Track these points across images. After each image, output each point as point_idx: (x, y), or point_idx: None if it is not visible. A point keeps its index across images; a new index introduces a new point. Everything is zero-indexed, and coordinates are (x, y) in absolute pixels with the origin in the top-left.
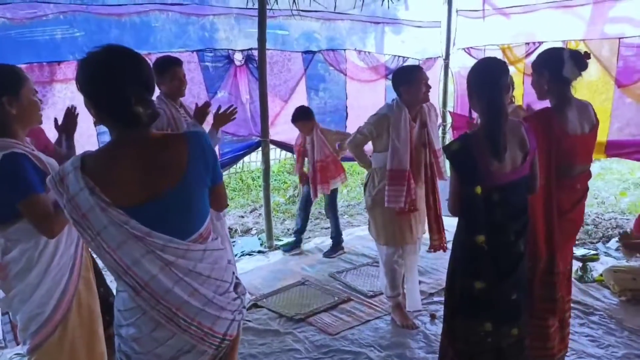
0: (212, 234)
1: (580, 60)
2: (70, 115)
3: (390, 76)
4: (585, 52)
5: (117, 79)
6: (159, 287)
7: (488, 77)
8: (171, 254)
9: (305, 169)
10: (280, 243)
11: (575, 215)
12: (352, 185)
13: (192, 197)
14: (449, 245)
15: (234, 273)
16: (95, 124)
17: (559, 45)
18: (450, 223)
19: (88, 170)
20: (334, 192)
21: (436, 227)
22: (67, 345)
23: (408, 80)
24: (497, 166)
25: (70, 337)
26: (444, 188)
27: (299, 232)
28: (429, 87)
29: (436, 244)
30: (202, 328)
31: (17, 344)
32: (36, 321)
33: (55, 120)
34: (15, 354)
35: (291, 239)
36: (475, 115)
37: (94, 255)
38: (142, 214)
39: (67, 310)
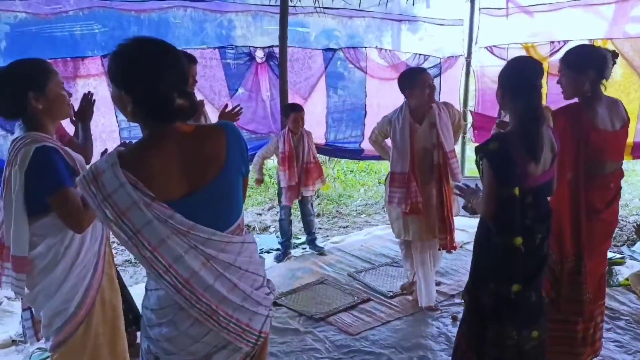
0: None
1: (615, 60)
2: (87, 101)
3: None
4: (614, 51)
5: (158, 71)
6: (200, 283)
7: (525, 78)
8: (213, 247)
9: None
10: (299, 241)
11: (609, 215)
12: (369, 184)
13: (232, 186)
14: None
15: None
16: (128, 120)
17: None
18: (465, 223)
19: (127, 166)
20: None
21: (443, 227)
22: (91, 341)
23: (410, 84)
24: (533, 168)
25: (93, 333)
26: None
27: (289, 244)
28: (432, 88)
29: (444, 244)
30: (240, 324)
31: (38, 340)
32: (61, 317)
33: (72, 108)
34: (36, 349)
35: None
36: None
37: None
38: (185, 207)
39: (91, 307)
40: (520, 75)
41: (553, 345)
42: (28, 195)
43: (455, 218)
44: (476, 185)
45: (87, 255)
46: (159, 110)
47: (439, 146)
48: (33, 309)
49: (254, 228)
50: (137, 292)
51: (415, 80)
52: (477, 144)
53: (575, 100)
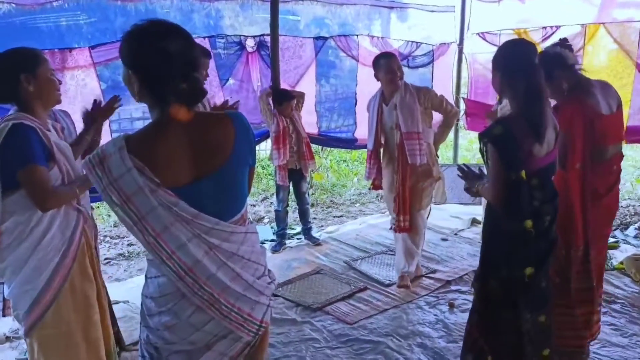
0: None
1: (565, 45)
2: (110, 103)
3: (404, 62)
4: (562, 38)
5: (165, 53)
6: (203, 272)
7: (522, 57)
8: (216, 237)
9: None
10: (294, 232)
11: (611, 200)
12: (363, 173)
13: (237, 176)
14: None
15: None
16: (136, 100)
17: (578, 29)
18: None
19: (134, 151)
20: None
21: (396, 207)
22: (63, 328)
23: (376, 68)
24: (538, 149)
25: (65, 320)
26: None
27: (284, 234)
28: (394, 74)
29: (400, 225)
30: (242, 314)
31: (4, 315)
32: (26, 298)
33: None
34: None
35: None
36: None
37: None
38: (190, 194)
39: (57, 292)
40: (517, 55)
41: (558, 330)
42: (1, 170)
43: (449, 205)
44: (479, 169)
45: (53, 240)
46: (162, 91)
47: (398, 126)
48: (5, 289)
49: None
50: (131, 286)
51: (380, 65)
52: (475, 132)
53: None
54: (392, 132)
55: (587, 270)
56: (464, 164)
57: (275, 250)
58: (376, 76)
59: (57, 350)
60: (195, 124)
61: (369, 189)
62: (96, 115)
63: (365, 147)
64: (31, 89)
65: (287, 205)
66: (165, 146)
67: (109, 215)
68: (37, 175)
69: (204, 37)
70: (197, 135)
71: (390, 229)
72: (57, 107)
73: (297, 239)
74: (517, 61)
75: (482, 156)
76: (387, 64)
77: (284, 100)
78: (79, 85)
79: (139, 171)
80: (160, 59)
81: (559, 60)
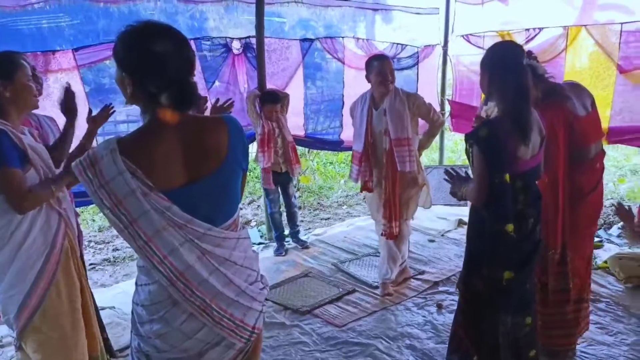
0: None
1: (532, 58)
2: (68, 96)
3: None
4: (527, 50)
5: (160, 56)
6: (195, 277)
7: (510, 58)
8: (209, 242)
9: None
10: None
11: (595, 197)
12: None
13: (231, 180)
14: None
15: None
16: (126, 104)
17: (560, 31)
18: (446, 212)
19: (126, 153)
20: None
21: (385, 213)
22: (56, 333)
23: (369, 70)
24: (523, 152)
25: (55, 324)
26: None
27: (283, 236)
28: (386, 78)
29: (385, 230)
30: (234, 320)
31: None
32: (13, 302)
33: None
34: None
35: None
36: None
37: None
38: (183, 197)
39: (43, 296)
40: (505, 56)
41: (547, 329)
42: None
43: (436, 207)
44: (465, 172)
45: (35, 243)
46: (155, 94)
47: (387, 132)
48: None
49: None
50: (117, 292)
51: (372, 67)
52: (460, 134)
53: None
54: (380, 137)
55: (564, 272)
56: (451, 168)
57: (279, 254)
58: (367, 78)
59: (51, 355)
60: (189, 127)
61: (360, 190)
62: (66, 112)
63: (351, 149)
64: (7, 95)
65: (280, 207)
66: (159, 149)
67: (94, 220)
68: (9, 178)
69: (189, 39)
70: (191, 138)
71: (382, 234)
72: (42, 112)
73: (286, 241)
74: (505, 60)
75: (468, 157)
76: (379, 67)
77: (267, 101)
78: (63, 88)
79: (131, 174)
80: (154, 62)
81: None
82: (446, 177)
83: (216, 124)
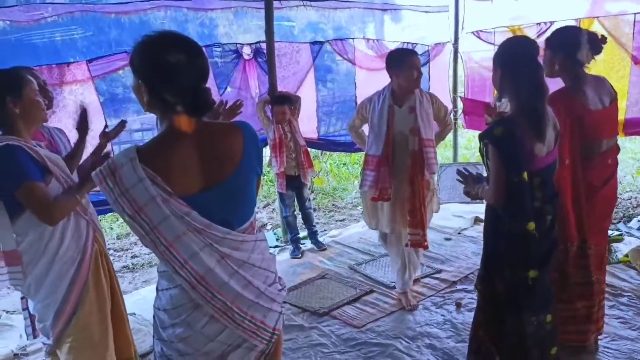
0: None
1: (596, 45)
2: (82, 116)
3: None
4: (602, 35)
5: (174, 64)
6: (215, 280)
7: (524, 54)
8: (227, 246)
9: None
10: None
11: (608, 191)
12: None
13: (247, 185)
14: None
15: None
16: (145, 111)
17: (572, 24)
18: (462, 209)
19: (146, 161)
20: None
21: (413, 221)
22: (90, 340)
23: (399, 64)
24: (539, 149)
25: (90, 331)
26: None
27: (298, 238)
28: (420, 73)
29: (414, 240)
30: (255, 322)
31: (35, 337)
32: (48, 312)
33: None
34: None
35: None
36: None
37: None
38: (200, 202)
39: (77, 303)
40: (519, 52)
41: (560, 325)
42: (1, 196)
43: (451, 204)
44: (477, 172)
45: (68, 250)
46: (171, 102)
47: (417, 132)
48: (29, 306)
49: None
50: (137, 299)
51: (404, 62)
52: (474, 131)
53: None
54: (404, 138)
55: (585, 265)
56: (464, 167)
57: (295, 256)
58: (394, 72)
59: None
60: (205, 133)
61: (376, 199)
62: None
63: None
64: (17, 111)
65: (294, 210)
66: (176, 155)
67: (112, 228)
68: (34, 192)
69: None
70: (206, 144)
71: (408, 245)
72: (57, 124)
73: (302, 243)
74: (519, 57)
75: (482, 156)
76: (414, 61)
77: (276, 103)
78: (78, 100)
79: (151, 181)
80: (169, 71)
81: (571, 47)
82: (459, 178)
83: (231, 130)
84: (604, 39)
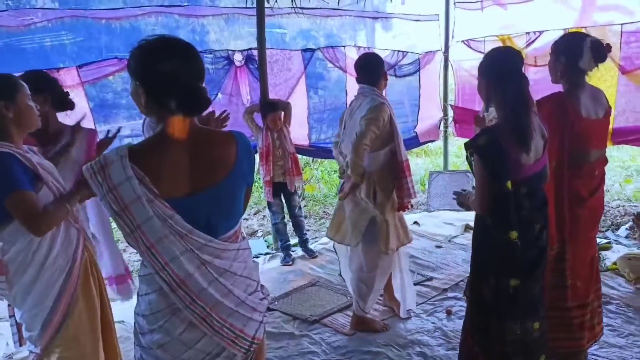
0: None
1: (599, 53)
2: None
3: (391, 71)
4: (608, 44)
5: (171, 64)
6: (195, 285)
7: (508, 65)
8: (208, 253)
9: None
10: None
11: (595, 202)
12: None
13: (235, 193)
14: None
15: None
16: (142, 112)
17: (560, 33)
18: (453, 217)
19: (135, 160)
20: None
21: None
22: (80, 350)
23: (379, 68)
24: (525, 158)
25: (80, 342)
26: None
27: (289, 245)
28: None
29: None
30: (234, 330)
31: (21, 345)
32: (36, 321)
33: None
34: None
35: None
36: (481, 109)
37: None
38: (186, 206)
39: (66, 312)
40: (503, 63)
41: (552, 332)
42: None
43: (441, 212)
44: (462, 189)
45: (57, 260)
46: (170, 103)
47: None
48: (15, 314)
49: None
50: (126, 306)
51: (383, 65)
52: (464, 139)
53: (560, 89)
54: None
55: (561, 268)
56: (462, 189)
57: (286, 263)
58: (384, 76)
59: None
60: (198, 138)
61: (407, 207)
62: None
63: None
64: (10, 116)
65: (284, 217)
66: (167, 157)
67: None
68: (23, 202)
69: None
70: (199, 149)
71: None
72: None
73: (292, 251)
74: (504, 68)
75: (469, 165)
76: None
77: (268, 111)
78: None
79: (138, 180)
80: (168, 73)
81: (573, 54)
82: (454, 196)
83: (226, 138)
84: (609, 48)
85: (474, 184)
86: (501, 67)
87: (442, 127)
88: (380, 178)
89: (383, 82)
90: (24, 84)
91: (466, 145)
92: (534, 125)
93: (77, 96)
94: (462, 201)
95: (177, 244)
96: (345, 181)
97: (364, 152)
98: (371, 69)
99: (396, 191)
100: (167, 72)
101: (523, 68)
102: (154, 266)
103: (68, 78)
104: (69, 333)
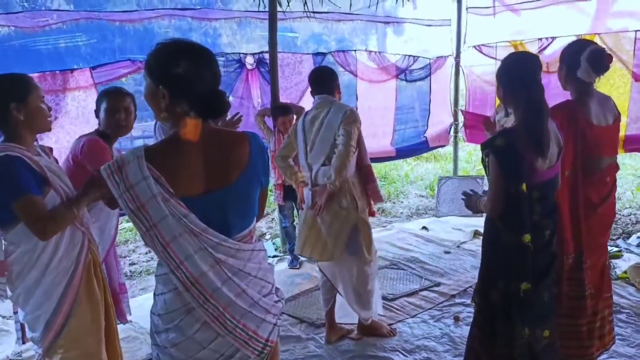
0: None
1: (598, 63)
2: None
3: (402, 76)
4: (609, 55)
5: (196, 68)
6: (208, 284)
7: (526, 72)
8: (223, 252)
9: None
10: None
11: (606, 209)
12: None
13: (249, 193)
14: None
15: None
16: (159, 116)
17: (573, 40)
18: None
19: (152, 159)
20: None
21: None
22: (82, 350)
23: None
24: (540, 163)
25: (82, 343)
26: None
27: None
28: None
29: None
30: (247, 331)
31: (24, 343)
32: (39, 322)
33: None
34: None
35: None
36: (492, 114)
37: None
38: (201, 205)
39: (69, 314)
40: (519, 71)
41: (561, 339)
42: None
43: (450, 217)
44: (472, 190)
45: (61, 262)
46: (191, 106)
47: None
48: (19, 314)
49: None
50: (134, 306)
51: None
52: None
53: (568, 97)
54: None
55: (579, 278)
56: (470, 190)
57: (293, 266)
58: (337, 88)
59: None
60: (213, 139)
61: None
62: None
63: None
64: (21, 117)
65: (294, 221)
66: (182, 157)
67: None
68: (31, 207)
69: None
70: (213, 149)
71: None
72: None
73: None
74: (519, 75)
75: (484, 167)
76: None
77: (279, 115)
78: (80, 106)
79: (154, 179)
80: (192, 73)
81: (571, 64)
82: (463, 197)
83: (239, 138)
84: (609, 58)
85: (485, 189)
86: (514, 74)
87: (452, 133)
88: (354, 184)
89: (337, 95)
90: (37, 85)
91: (482, 145)
92: (550, 132)
93: (90, 97)
94: (470, 203)
95: (191, 242)
96: (319, 193)
97: (352, 154)
98: (326, 79)
99: (367, 196)
100: (193, 75)
101: (541, 73)
102: (169, 265)
103: (81, 79)
104: (72, 334)
